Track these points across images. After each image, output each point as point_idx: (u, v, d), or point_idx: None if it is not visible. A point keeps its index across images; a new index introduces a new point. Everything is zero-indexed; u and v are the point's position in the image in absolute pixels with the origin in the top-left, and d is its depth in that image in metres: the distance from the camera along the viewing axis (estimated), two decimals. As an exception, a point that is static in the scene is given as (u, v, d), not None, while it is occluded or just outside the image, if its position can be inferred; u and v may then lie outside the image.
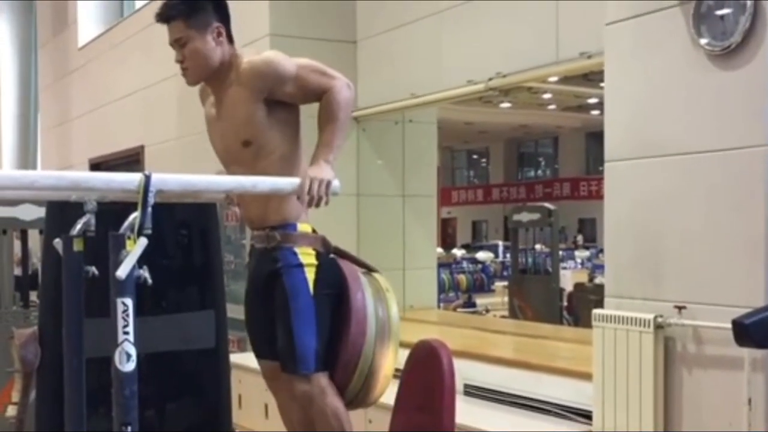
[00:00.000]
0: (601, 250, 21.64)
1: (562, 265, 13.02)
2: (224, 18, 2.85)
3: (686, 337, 3.62)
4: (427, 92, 5.89)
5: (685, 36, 3.59)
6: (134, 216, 2.29)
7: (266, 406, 4.59)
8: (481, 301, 11.44)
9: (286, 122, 2.85)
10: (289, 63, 2.76)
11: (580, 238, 25.20)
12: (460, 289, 14.23)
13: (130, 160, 8.46)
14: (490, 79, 5.44)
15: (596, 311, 3.94)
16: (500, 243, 23.35)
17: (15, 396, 3.29)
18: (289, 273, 2.79)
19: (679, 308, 3.61)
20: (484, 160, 33.79)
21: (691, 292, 3.59)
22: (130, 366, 2.28)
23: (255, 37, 6.29)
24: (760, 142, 3.36)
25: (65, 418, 2.63)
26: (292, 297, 2.77)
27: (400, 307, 6.11)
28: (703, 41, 3.51)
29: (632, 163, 3.87)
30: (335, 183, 2.66)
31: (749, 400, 3.33)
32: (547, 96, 17.19)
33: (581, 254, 19.10)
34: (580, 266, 16.15)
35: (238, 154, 2.84)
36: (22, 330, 3.33)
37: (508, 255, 21.14)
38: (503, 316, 9.43)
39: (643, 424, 3.68)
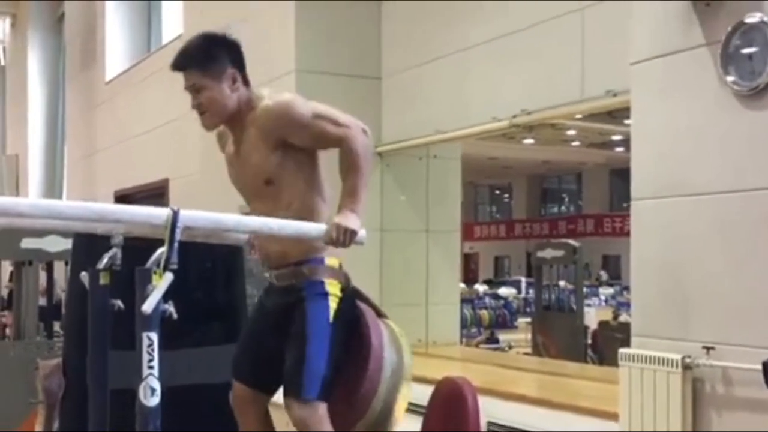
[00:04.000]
0: (626, 288, 21.49)
1: (586, 302, 12.92)
2: (239, 63, 2.87)
3: (715, 379, 3.57)
4: (452, 128, 5.91)
5: (713, 75, 3.58)
6: (161, 251, 2.30)
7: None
8: (504, 337, 11.36)
9: (306, 159, 2.86)
10: (305, 110, 2.77)
11: (604, 275, 25.05)
12: (483, 325, 14.15)
13: (155, 193, 8.52)
14: (515, 116, 5.44)
15: (623, 350, 3.90)
16: (523, 279, 23.26)
17: (38, 427, 3.31)
18: (313, 300, 2.78)
19: (708, 349, 3.56)
20: (506, 195, 33.77)
21: (720, 333, 3.54)
22: (154, 400, 2.28)
23: (281, 73, 6.34)
24: (789, 182, 3.33)
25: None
26: (310, 322, 2.75)
27: (423, 343, 6.10)
28: (731, 81, 3.50)
29: (659, 201, 3.85)
30: (361, 233, 2.69)
31: (779, 444, 3.27)
32: (571, 132, 17.26)
33: (605, 291, 18.98)
34: (604, 303, 16.02)
35: (260, 192, 2.86)
36: (47, 361, 3.36)
37: (530, 291, 21.09)
38: (526, 353, 9.35)
39: (671, 467, 3.62)
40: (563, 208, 31.94)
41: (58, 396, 3.26)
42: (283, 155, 2.79)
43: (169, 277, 2.25)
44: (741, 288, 3.48)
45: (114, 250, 2.67)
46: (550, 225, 29.99)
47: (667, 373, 3.66)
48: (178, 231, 2.29)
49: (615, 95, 4.78)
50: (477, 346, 10.15)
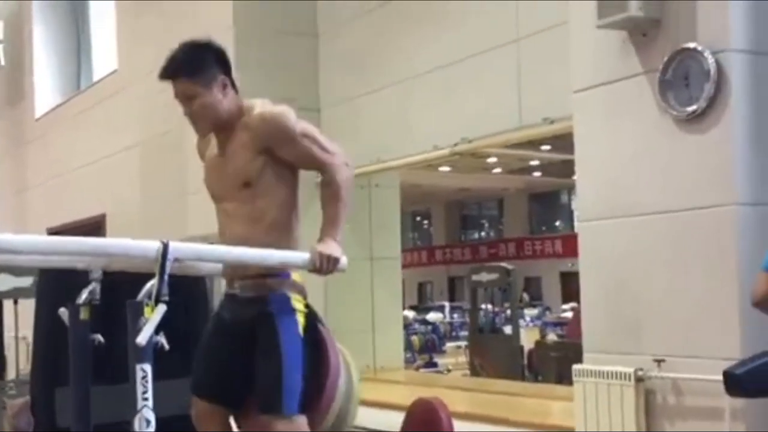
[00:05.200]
0: (548, 308, 21.95)
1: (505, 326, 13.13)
2: (227, 69, 2.90)
3: (666, 390, 3.74)
4: (394, 157, 6.03)
5: (652, 102, 3.79)
6: (151, 284, 2.34)
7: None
8: (440, 360, 11.48)
9: (286, 174, 2.89)
10: (297, 126, 2.82)
11: (526, 297, 25.49)
12: (414, 350, 14.25)
13: (91, 228, 8.39)
14: (456, 144, 5.61)
15: (576, 366, 4.05)
16: (447, 304, 23.50)
17: (6, 469, 3.26)
18: (282, 317, 2.79)
19: (659, 361, 3.73)
20: (426, 222, 34.08)
21: (669, 345, 3.72)
22: (149, 431, 2.30)
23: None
24: (728, 201, 3.54)
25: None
26: (283, 338, 2.76)
27: (371, 368, 6.16)
28: (670, 107, 3.70)
29: (605, 222, 4.03)
30: (343, 260, 2.75)
31: (730, 449, 3.45)
32: (491, 160, 17.62)
33: (530, 312, 19.31)
34: (531, 324, 16.32)
35: (236, 195, 2.86)
36: (14, 401, 3.32)
37: (455, 315, 21.36)
38: (464, 375, 9.49)
39: (627, 477, 3.76)
40: (483, 233, 32.39)
41: (28, 435, 3.22)
42: (265, 162, 2.81)
43: (161, 308, 2.29)
44: (688, 302, 3.67)
45: (93, 284, 2.68)
46: (472, 250, 30.38)
47: (621, 386, 3.82)
48: (168, 263, 2.33)
49: (552, 122, 4.99)
50: (417, 370, 10.26)
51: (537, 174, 22.28)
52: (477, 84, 5.49)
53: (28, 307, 5.47)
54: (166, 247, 2.33)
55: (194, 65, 2.83)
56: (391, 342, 6.85)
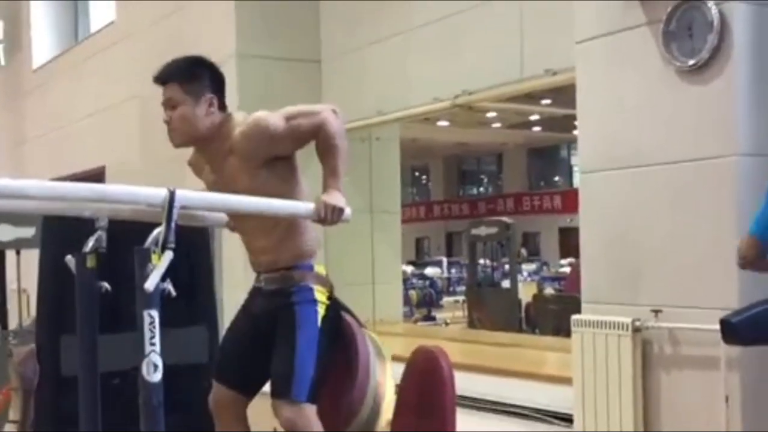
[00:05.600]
0: (545, 263, 22.07)
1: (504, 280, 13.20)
2: (219, 89, 2.91)
3: (663, 340, 3.79)
4: (394, 109, 6.02)
5: (655, 53, 3.78)
6: (158, 231, 2.36)
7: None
8: (438, 315, 11.57)
9: (287, 173, 2.91)
10: (278, 121, 2.81)
11: (524, 252, 25.61)
12: (412, 305, 14.35)
13: (91, 181, 8.38)
14: (457, 96, 5.60)
15: (575, 317, 4.10)
16: (444, 259, 23.60)
17: (13, 414, 3.31)
18: (302, 306, 2.85)
19: (656, 312, 3.77)
20: (425, 177, 34.08)
21: (667, 296, 3.76)
22: (157, 376, 2.34)
23: (220, 58, 6.30)
24: (728, 152, 3.56)
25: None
26: (300, 325, 2.82)
27: (370, 322, 6.22)
28: (673, 58, 3.70)
29: (606, 174, 4.04)
30: (347, 210, 2.78)
31: (726, 398, 3.51)
32: (490, 114, 17.56)
33: (527, 267, 19.42)
34: (528, 279, 16.42)
35: (248, 214, 2.86)
36: (20, 348, 3.36)
37: (452, 270, 21.48)
38: (462, 328, 9.57)
39: (623, 425, 3.82)
40: (482, 188, 32.42)
41: (34, 382, 3.26)
42: (267, 173, 2.83)
43: (168, 255, 2.31)
44: (686, 253, 3.70)
45: (99, 232, 2.68)
46: (470, 205, 30.45)
47: (618, 336, 3.87)
48: (175, 211, 2.35)
49: (554, 74, 4.97)
50: (416, 323, 10.34)
51: (537, 129, 22.22)
52: (478, 36, 5.45)
53: (28, 258, 5.52)
54: (172, 194, 2.35)
55: (188, 74, 2.86)
56: (390, 295, 6.91)
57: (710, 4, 3.53)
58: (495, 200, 29.26)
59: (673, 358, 3.77)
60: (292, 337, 2.80)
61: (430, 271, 18.50)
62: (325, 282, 2.93)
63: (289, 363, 2.78)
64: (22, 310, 5.90)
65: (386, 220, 6.88)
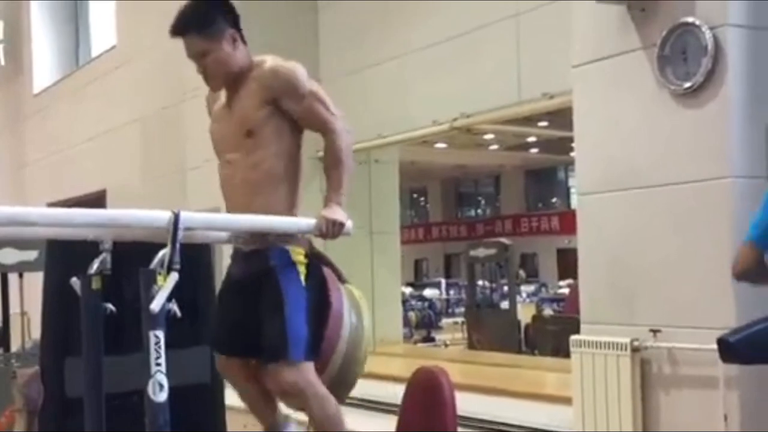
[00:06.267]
0: (544, 284, 22.08)
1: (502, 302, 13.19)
2: (236, 23, 2.94)
3: (662, 359, 3.82)
4: (393, 132, 6.08)
5: (650, 76, 3.84)
6: (163, 252, 2.40)
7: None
8: (437, 336, 11.58)
9: (289, 130, 2.92)
10: (307, 82, 2.87)
11: (522, 273, 25.62)
12: (411, 326, 14.36)
13: (91, 204, 8.44)
14: (455, 119, 5.66)
15: (574, 337, 4.13)
16: (443, 280, 23.61)
17: (17, 433, 3.33)
18: (283, 270, 2.85)
19: (654, 332, 3.81)
20: (423, 198, 34.14)
21: (665, 316, 3.80)
22: (162, 396, 2.37)
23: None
24: (724, 174, 3.60)
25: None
26: (286, 289, 2.82)
27: (371, 342, 6.22)
28: (668, 82, 3.76)
29: (604, 196, 4.09)
30: (348, 224, 2.81)
31: (725, 417, 3.53)
32: (488, 137, 17.63)
33: (526, 288, 19.45)
34: (527, 300, 16.43)
35: (239, 143, 2.90)
36: (25, 369, 3.38)
37: (451, 292, 21.49)
38: (462, 349, 9.58)
39: (623, 444, 3.85)
40: (479, 210, 32.47)
41: (38, 403, 3.28)
42: (270, 113, 2.85)
43: (174, 276, 2.35)
44: (683, 273, 3.74)
45: (104, 254, 2.72)
46: (468, 227, 30.49)
47: (617, 356, 3.90)
48: (180, 232, 2.39)
49: (551, 97, 5.04)
50: (416, 344, 10.35)
51: (534, 150, 22.29)
52: (476, 59, 5.53)
53: (29, 281, 5.54)
54: (177, 216, 2.39)
55: (203, 20, 2.87)
56: (390, 316, 6.94)
57: (704, 28, 3.59)
58: (493, 222, 29.31)
59: (671, 378, 3.80)
60: (279, 304, 2.81)
61: (428, 292, 18.54)
62: (301, 241, 2.91)
63: (281, 328, 2.79)
64: (24, 333, 5.92)
65: (385, 242, 6.92)
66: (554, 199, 28.07)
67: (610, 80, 4.06)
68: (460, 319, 13.70)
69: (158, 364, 2.36)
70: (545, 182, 28.27)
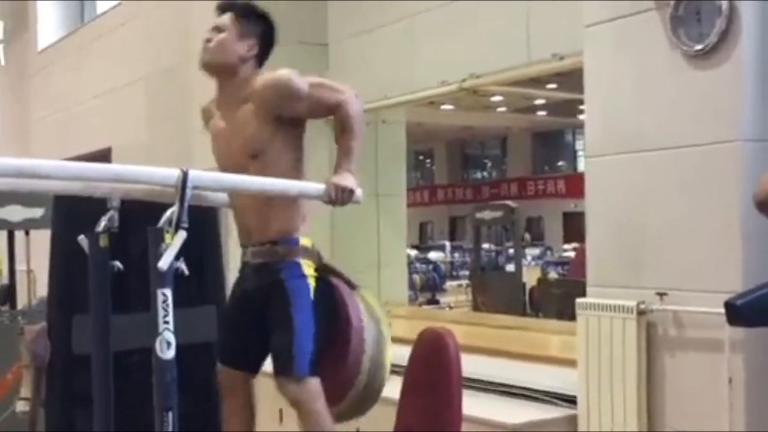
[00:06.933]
0: (549, 248, 22.11)
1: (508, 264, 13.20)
2: (264, 46, 2.98)
3: (668, 322, 3.82)
4: (401, 93, 6.04)
5: (663, 37, 3.80)
6: (171, 210, 2.39)
7: (281, 411, 4.56)
8: (442, 299, 11.63)
9: (293, 137, 2.95)
10: (302, 81, 2.86)
11: (527, 236, 25.65)
12: (416, 288, 14.41)
13: (97, 161, 8.40)
14: (464, 80, 5.61)
15: (579, 300, 4.13)
16: (447, 243, 23.65)
17: (25, 391, 3.35)
18: (292, 281, 2.87)
19: (661, 295, 3.80)
20: (429, 161, 34.08)
21: (672, 280, 3.79)
22: (170, 353, 2.38)
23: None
24: (733, 137, 3.58)
25: (95, 411, 2.70)
26: (294, 302, 2.84)
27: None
28: (681, 43, 3.72)
29: (612, 158, 4.07)
30: (358, 191, 2.81)
31: (730, 380, 3.54)
32: (496, 98, 17.53)
33: (531, 252, 19.48)
34: (532, 263, 16.46)
35: (244, 165, 2.90)
36: (31, 326, 3.40)
37: (456, 255, 21.53)
38: (467, 311, 9.62)
39: (627, 406, 3.87)
40: (485, 173, 32.41)
41: (45, 360, 3.30)
42: (274, 131, 2.86)
43: (182, 235, 2.35)
44: (690, 237, 3.73)
45: (111, 212, 2.72)
46: (474, 190, 30.45)
47: (623, 319, 3.90)
48: (188, 190, 2.39)
49: (561, 59, 4.98)
50: (420, 306, 10.39)
51: (542, 113, 22.19)
52: (485, 19, 5.46)
53: (35, 239, 5.55)
54: (186, 174, 2.39)
55: (247, 14, 2.96)
56: (395, 278, 6.94)
57: (719, -11, 3.54)
58: (498, 185, 29.27)
59: (677, 341, 3.80)
60: (287, 315, 2.83)
61: (433, 255, 18.60)
62: (311, 255, 2.94)
63: (288, 341, 2.81)
64: (30, 291, 5.95)
65: (391, 204, 6.91)
66: (561, 162, 28.00)
67: (622, 41, 4.02)
68: (464, 282, 13.74)
69: (166, 322, 2.37)
70: (552, 145, 28.19)
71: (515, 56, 5.26)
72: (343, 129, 2.86)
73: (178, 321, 3.68)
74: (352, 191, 2.79)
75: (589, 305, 4.08)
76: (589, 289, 4.17)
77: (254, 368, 3.08)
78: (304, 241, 2.96)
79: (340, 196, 2.76)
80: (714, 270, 3.63)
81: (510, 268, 9.97)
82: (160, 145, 7.16)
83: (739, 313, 2.80)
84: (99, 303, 2.72)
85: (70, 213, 3.32)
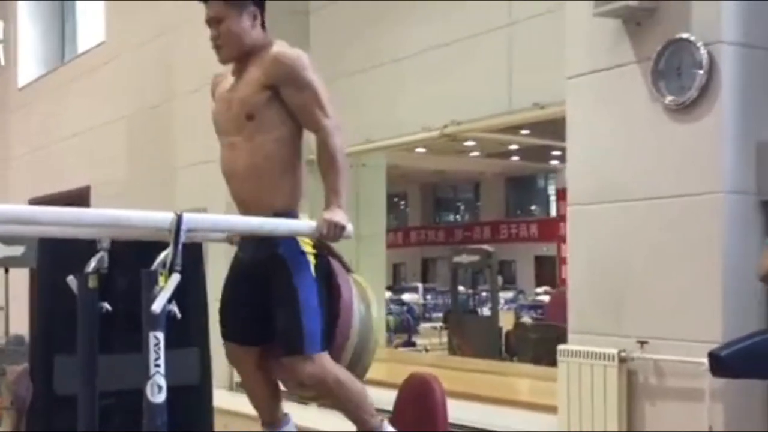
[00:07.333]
0: (522, 291, 22.16)
1: (488, 306, 13.22)
2: (261, 4, 2.97)
3: (648, 370, 3.86)
4: (383, 137, 6.10)
5: (644, 90, 3.88)
6: (165, 253, 2.39)
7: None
8: (417, 341, 11.61)
9: (290, 118, 2.91)
10: (310, 73, 2.87)
11: (500, 280, 25.68)
12: (390, 330, 14.34)
13: (75, 200, 8.37)
14: (445, 126, 5.69)
15: (561, 347, 4.16)
16: (420, 285, 23.62)
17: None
18: (293, 258, 2.86)
19: (642, 343, 3.85)
20: (402, 203, 34.18)
21: (653, 328, 3.84)
22: (161, 397, 2.36)
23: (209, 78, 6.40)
24: (715, 188, 3.66)
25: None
26: (296, 281, 2.83)
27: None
28: (661, 96, 3.80)
29: (594, 207, 4.13)
30: (349, 227, 2.82)
31: (710, 428, 3.57)
32: (469, 143, 17.67)
33: (504, 295, 19.47)
34: (505, 307, 16.46)
35: (240, 126, 2.90)
36: (14, 366, 3.36)
37: (428, 297, 21.49)
38: (443, 354, 9.61)
39: (608, 454, 3.89)
40: (458, 216, 32.53)
41: (27, 401, 3.26)
42: (270, 98, 2.85)
43: (176, 278, 2.35)
44: (673, 286, 3.78)
45: (101, 253, 2.72)
46: (446, 232, 30.53)
47: (604, 366, 3.94)
48: (182, 233, 2.39)
49: (542, 107, 5.08)
50: (396, 348, 10.36)
51: (515, 158, 22.38)
52: (468, 67, 5.56)
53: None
54: (180, 218, 2.39)
55: None
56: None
57: (699, 44, 3.63)
58: (472, 227, 29.35)
59: (658, 389, 3.84)
60: (293, 296, 2.82)
61: (407, 297, 18.53)
62: None
63: (296, 321, 2.80)
64: (7, 328, 5.88)
65: (372, 246, 6.93)
66: (533, 207, 28.19)
67: (604, 93, 4.10)
68: (438, 324, 13.73)
69: (157, 365, 2.35)
70: (525, 189, 28.39)
71: (497, 104, 5.36)
72: (327, 164, 2.87)
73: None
74: (343, 227, 2.79)
75: (571, 352, 4.11)
76: (570, 336, 4.20)
77: (259, 341, 3.01)
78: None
79: (332, 232, 2.77)
80: (694, 319, 3.68)
81: (485, 311, 9.99)
82: (139, 183, 7.15)
83: (723, 363, 2.85)
84: (87, 344, 2.70)
85: (56, 252, 3.29)
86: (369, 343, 3.02)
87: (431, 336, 12.51)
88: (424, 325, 15.71)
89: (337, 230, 2.78)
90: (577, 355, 4.07)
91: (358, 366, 2.99)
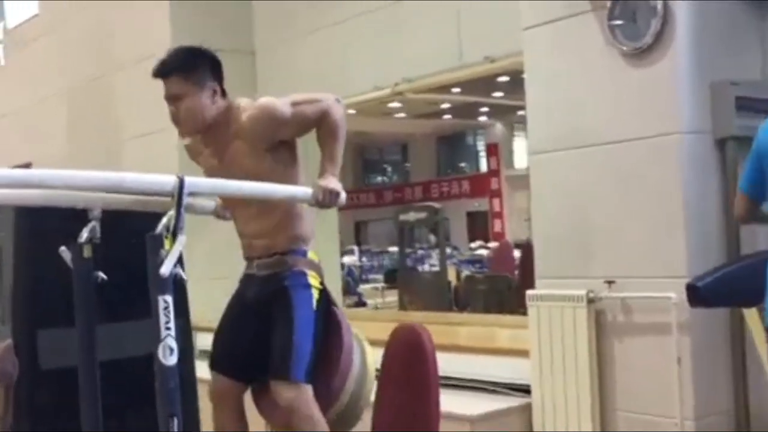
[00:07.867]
0: (456, 247, 22.45)
1: (424, 264, 13.30)
2: (219, 76, 2.96)
3: (616, 309, 4.01)
4: (333, 98, 6.09)
5: (600, 38, 3.99)
6: (168, 216, 2.40)
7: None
8: (369, 300, 11.72)
9: (289, 158, 3.00)
10: (285, 106, 2.90)
11: (432, 238, 25.92)
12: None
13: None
14: (397, 84, 5.73)
15: (530, 292, 4.29)
16: (356, 248, 23.70)
17: (-7, 409, 3.27)
18: (297, 289, 2.92)
19: (609, 283, 3.99)
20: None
21: (620, 268, 3.98)
22: (172, 360, 2.38)
23: (154, 51, 6.28)
24: (672, 130, 3.80)
25: (82, 422, 2.67)
26: (296, 307, 2.89)
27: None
28: (618, 42, 3.92)
29: (554, 155, 4.24)
30: (342, 194, 2.88)
31: (678, 360, 3.75)
32: (394, 105, 17.64)
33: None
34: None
35: (248, 200, 2.95)
36: (-1, 343, 3.31)
37: (364, 259, 21.60)
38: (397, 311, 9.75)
39: (580, 392, 4.04)
40: (385, 178, 32.61)
41: (14, 377, 3.23)
42: (271, 157, 2.91)
43: (182, 240, 2.36)
44: (635, 227, 3.93)
45: (93, 222, 2.70)
46: (376, 195, 30.63)
47: (573, 308, 4.08)
48: (185, 196, 2.41)
49: (493, 61, 5.16)
50: (349, 308, 10.43)
51: (447, 116, 22.50)
52: (417, 23, 5.59)
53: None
54: (182, 181, 2.40)
55: (189, 65, 2.89)
56: (331, 283, 6.95)
57: (654, -7, 3.75)
58: (402, 188, 29.50)
59: (626, 326, 4.00)
60: (289, 318, 2.88)
61: (347, 259, 18.59)
62: (317, 268, 3.03)
63: (287, 342, 2.86)
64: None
65: (324, 211, 6.93)
66: (463, 164, 28.44)
67: (560, 42, 4.20)
68: (379, 285, 13.86)
69: (168, 329, 2.37)
70: (455, 147, 28.61)
71: (448, 59, 5.40)
72: (326, 134, 2.93)
73: (120, 335, 3.58)
74: (338, 194, 2.85)
75: (540, 296, 4.24)
76: (538, 281, 4.33)
77: (248, 379, 3.07)
78: (312, 254, 3.04)
79: (328, 198, 2.82)
80: (660, 256, 3.84)
81: (435, 267, 10.14)
82: (83, 157, 7.01)
83: (700, 294, 2.99)
84: (84, 315, 2.69)
85: (34, 227, 3.27)
86: (364, 391, 3.09)
87: (374, 296, 12.63)
88: (364, 286, 15.81)
89: (332, 197, 2.84)
90: (547, 299, 4.20)
91: (353, 411, 3.06)
